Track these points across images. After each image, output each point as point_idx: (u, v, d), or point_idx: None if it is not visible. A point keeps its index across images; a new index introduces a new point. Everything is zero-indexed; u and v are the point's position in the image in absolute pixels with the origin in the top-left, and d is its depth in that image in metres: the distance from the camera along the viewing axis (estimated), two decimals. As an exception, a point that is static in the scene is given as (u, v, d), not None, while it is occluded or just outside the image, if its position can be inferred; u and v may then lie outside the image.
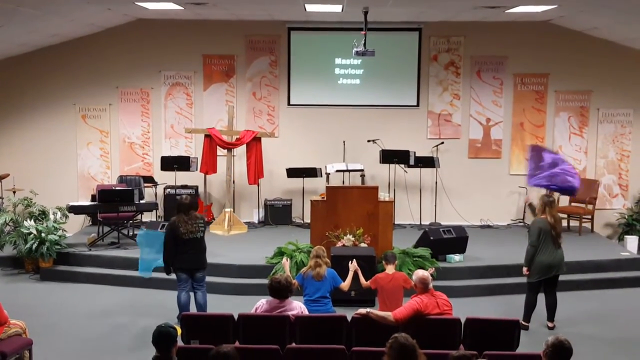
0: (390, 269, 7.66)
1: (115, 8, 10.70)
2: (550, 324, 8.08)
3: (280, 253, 9.67)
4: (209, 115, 12.70)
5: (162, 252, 8.06)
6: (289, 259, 8.41)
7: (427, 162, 12.20)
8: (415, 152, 12.12)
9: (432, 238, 9.90)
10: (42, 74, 12.51)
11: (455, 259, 9.95)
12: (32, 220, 10.34)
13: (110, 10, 10.84)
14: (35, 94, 12.58)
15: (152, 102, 12.76)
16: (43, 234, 10.07)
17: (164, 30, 12.37)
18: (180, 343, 5.36)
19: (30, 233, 10.08)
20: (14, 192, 11.70)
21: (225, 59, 12.70)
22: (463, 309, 7.19)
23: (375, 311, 6.31)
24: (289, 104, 12.80)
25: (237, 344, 5.94)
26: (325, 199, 9.91)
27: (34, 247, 10.02)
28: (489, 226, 12.52)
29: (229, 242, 11.06)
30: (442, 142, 12.56)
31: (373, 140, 12.29)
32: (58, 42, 12.21)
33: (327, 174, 12.08)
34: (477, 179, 12.67)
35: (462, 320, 6.17)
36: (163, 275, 8.36)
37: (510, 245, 10.67)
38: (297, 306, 6.41)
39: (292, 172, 12.28)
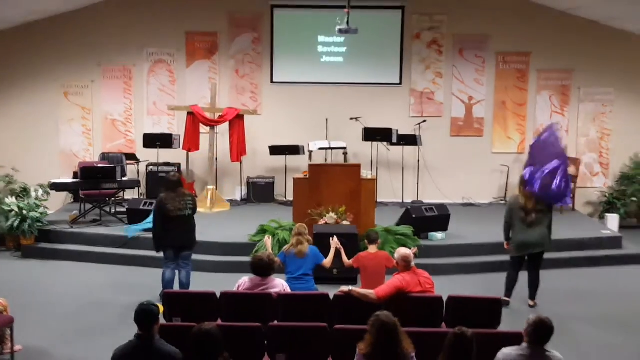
0: (372, 248, 7.66)
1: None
2: (531, 302, 8.14)
3: (262, 231, 9.68)
4: (191, 93, 12.63)
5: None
6: (271, 237, 8.41)
7: (410, 140, 12.23)
8: (397, 130, 12.13)
9: (414, 216, 9.94)
10: (23, 51, 12.36)
11: (438, 237, 10.00)
12: (14, 198, 10.26)
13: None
14: (16, 70, 12.44)
15: (134, 79, 12.65)
16: (24, 211, 10.01)
17: (147, 7, 12.25)
18: (162, 321, 5.38)
19: (12, 210, 10.02)
20: (-5, 169, 11.62)
21: (208, 36, 12.61)
22: (445, 287, 7.24)
23: (357, 289, 6.32)
24: (272, 81, 12.76)
25: (219, 321, 5.96)
26: (308, 176, 9.91)
27: (15, 224, 9.97)
28: (471, 204, 12.61)
29: (211, 219, 11.05)
30: (425, 120, 12.59)
31: (356, 118, 12.30)
32: (39, 18, 12.04)
33: (310, 152, 12.07)
34: (459, 157, 12.74)
35: (444, 298, 6.22)
36: (146, 252, 8.34)
37: (492, 223, 10.67)
38: (279, 284, 6.43)
39: (275, 150, 12.27)
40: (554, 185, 7.88)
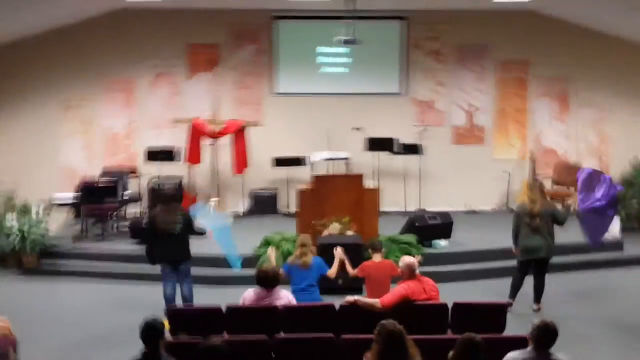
0: (377, 257, 7.66)
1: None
2: (535, 306, 8.19)
3: (266, 243, 9.65)
4: (193, 105, 12.60)
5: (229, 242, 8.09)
6: (275, 249, 8.40)
7: (412, 149, 12.21)
8: (399, 140, 12.13)
9: (417, 224, 9.95)
10: (24, 65, 12.33)
11: (441, 244, 10.01)
12: (14, 216, 10.20)
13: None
14: (17, 85, 12.40)
15: (136, 92, 12.65)
16: (25, 229, 9.94)
17: (147, 20, 12.25)
18: (168, 337, 5.35)
19: (12, 228, 9.95)
20: (-6, 185, 11.56)
21: (210, 47, 12.62)
22: (450, 294, 7.19)
23: (363, 298, 6.32)
24: (274, 92, 12.76)
25: (225, 335, 5.94)
26: (311, 188, 9.90)
27: (16, 243, 9.90)
28: (473, 211, 12.59)
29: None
30: (425, 129, 12.58)
31: (357, 128, 12.29)
32: (40, 32, 12.02)
33: (312, 163, 12.06)
34: (461, 165, 12.73)
35: (450, 305, 6.20)
36: (149, 268, 8.29)
37: (494, 229, 10.70)
38: (284, 295, 6.41)
39: (278, 162, 12.25)
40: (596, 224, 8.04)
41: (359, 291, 8.03)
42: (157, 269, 8.16)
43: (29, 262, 10.10)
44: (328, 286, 7.95)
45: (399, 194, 12.50)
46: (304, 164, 12.21)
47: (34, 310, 8.59)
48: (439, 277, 8.18)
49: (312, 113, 12.65)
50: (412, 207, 12.46)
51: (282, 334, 5.93)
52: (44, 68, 12.40)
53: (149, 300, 8.65)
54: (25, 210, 10.40)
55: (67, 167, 12.63)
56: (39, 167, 12.43)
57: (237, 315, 6.20)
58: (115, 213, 11.24)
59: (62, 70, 12.43)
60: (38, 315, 8.42)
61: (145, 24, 12.33)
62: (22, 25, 11.45)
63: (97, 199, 10.58)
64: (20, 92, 12.44)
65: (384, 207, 12.00)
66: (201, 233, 8.10)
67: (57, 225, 11.64)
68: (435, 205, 12.33)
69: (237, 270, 8.57)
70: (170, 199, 8.00)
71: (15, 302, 8.80)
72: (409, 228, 10.02)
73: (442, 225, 10.12)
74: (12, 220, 10.03)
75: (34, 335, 7.52)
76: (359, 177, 9.98)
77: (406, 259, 6.54)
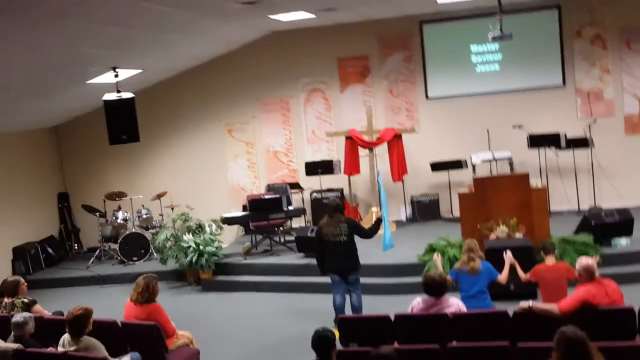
0: (550, 260, 7.30)
1: (251, 24, 11.00)
2: None
3: (431, 249, 9.49)
4: (348, 117, 12.74)
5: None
6: (440, 255, 8.21)
7: (580, 143, 11.52)
8: (565, 134, 11.48)
9: (593, 223, 9.39)
10: (189, 95, 13.14)
11: (622, 243, 9.36)
12: (190, 234, 10.83)
13: (247, 27, 11.16)
14: (184, 113, 13.24)
15: (292, 110, 13.01)
16: (201, 247, 10.53)
17: (298, 39, 12.57)
18: (339, 346, 5.36)
19: (190, 246, 10.57)
20: (172, 209, 12.34)
21: (359, 59, 12.71)
22: (636, 297, 6.65)
23: (538, 304, 6.03)
24: (427, 97, 12.58)
25: (395, 344, 5.86)
26: (473, 190, 9.62)
27: (193, 259, 10.50)
28: (656, 205, 11.62)
29: (378, 241, 10.98)
30: (595, 121, 11.80)
31: (518, 126, 11.78)
32: (199, 62, 12.76)
33: (473, 165, 11.73)
34: (638, 156, 11.79)
35: (637, 309, 5.71)
36: (317, 278, 8.44)
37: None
38: (454, 303, 6.23)
39: (437, 166, 12.06)
40: None
41: (533, 296, 7.65)
42: (324, 279, 8.27)
43: (205, 277, 10.67)
44: (499, 292, 7.66)
45: (570, 192, 11.82)
46: (465, 167, 11.90)
47: (211, 323, 9.04)
48: (622, 279, 7.62)
49: (468, 114, 12.32)
50: (585, 205, 11.71)
51: (454, 343, 5.74)
52: (207, 96, 13.10)
53: (318, 310, 8.82)
54: (199, 230, 10.99)
55: (233, 186, 13.23)
56: (208, 187, 13.15)
57: (406, 324, 6.10)
58: (281, 227, 11.58)
59: (222, 95, 13.07)
60: (216, 327, 8.84)
61: (296, 44, 12.65)
62: (185, 59, 12.20)
63: (263, 214, 10.97)
64: (186, 119, 13.24)
65: (554, 206, 11.48)
66: (369, 235, 8.20)
67: (229, 241, 12.22)
68: (611, 201, 11.54)
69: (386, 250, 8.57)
70: (335, 209, 8.10)
71: (194, 315, 9.33)
72: (584, 227, 9.48)
73: (621, 223, 9.43)
74: (188, 239, 10.64)
75: (214, 346, 7.89)
76: (524, 177, 9.56)
77: (583, 261, 6.14)
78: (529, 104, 12.12)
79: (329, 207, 8.17)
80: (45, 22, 6.81)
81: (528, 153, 11.76)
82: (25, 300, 7.33)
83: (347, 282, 8.03)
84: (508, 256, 7.47)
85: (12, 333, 6.17)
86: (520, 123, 11.77)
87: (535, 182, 9.77)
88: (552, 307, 5.90)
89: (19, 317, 6.22)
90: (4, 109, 10.19)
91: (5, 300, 7.34)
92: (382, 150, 12.12)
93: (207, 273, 10.70)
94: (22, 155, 12.55)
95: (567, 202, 11.84)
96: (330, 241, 7.96)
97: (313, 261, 9.94)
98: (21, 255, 11.89)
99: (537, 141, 11.55)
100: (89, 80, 10.19)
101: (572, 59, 12.02)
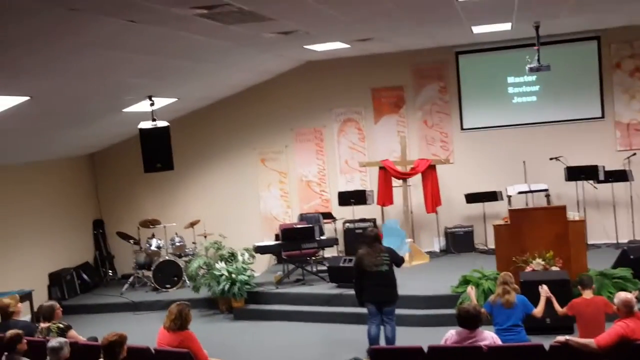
0: (587, 294, 7.13)
1: (286, 54, 11.11)
2: None
3: (465, 281, 9.36)
4: (381, 148, 12.71)
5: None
6: (474, 287, 8.08)
7: (619, 175, 11.31)
8: (604, 166, 11.29)
9: (632, 257, 9.19)
10: (223, 124, 13.26)
11: (662, 278, 9.08)
12: (223, 263, 10.85)
13: (282, 57, 11.28)
14: (218, 142, 13.34)
15: (325, 139, 13.03)
16: (234, 275, 10.54)
17: (332, 69, 12.63)
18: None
19: (222, 275, 10.58)
20: (205, 237, 12.40)
21: (394, 90, 12.71)
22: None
23: (575, 338, 5.89)
24: (462, 128, 12.51)
25: (428, 377, 5.75)
26: (509, 222, 9.49)
27: (226, 287, 10.50)
28: (698, 240, 11.30)
29: (411, 272, 10.90)
30: (634, 154, 11.59)
31: (556, 158, 11.63)
32: (234, 92, 12.89)
33: (509, 197, 11.59)
34: (679, 190, 11.54)
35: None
36: (350, 309, 8.36)
37: None
38: (488, 336, 6.11)
39: (471, 198, 11.94)
40: None
41: (569, 331, 7.52)
42: (355, 310, 8.19)
43: (237, 305, 10.65)
44: (535, 326, 7.53)
45: (608, 225, 11.60)
46: (499, 199, 11.75)
47: (242, 352, 9.01)
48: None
49: (504, 146, 12.20)
50: (624, 239, 11.46)
51: (488, 377, 5.61)
52: (240, 124, 13.19)
53: (349, 341, 8.77)
54: (232, 258, 11.01)
55: (266, 215, 13.24)
56: (241, 216, 13.18)
57: (440, 356, 6.00)
58: (313, 257, 11.54)
59: (255, 125, 13.15)
60: (247, 356, 8.81)
61: (330, 74, 12.71)
62: (220, 88, 12.36)
63: (296, 244, 10.95)
64: (220, 148, 13.34)
65: (592, 239, 11.27)
66: (402, 262, 8.31)
67: (261, 270, 12.21)
68: (651, 235, 11.27)
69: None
70: (374, 239, 8.06)
71: (226, 343, 9.29)
72: (623, 261, 9.28)
73: (661, 257, 9.18)
74: (221, 267, 10.65)
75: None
76: (561, 209, 9.42)
77: (622, 295, 6.03)
78: (567, 136, 11.97)
79: (368, 237, 8.13)
80: (85, 51, 6.95)
81: (565, 186, 11.59)
82: (61, 325, 7.38)
83: (382, 312, 7.96)
84: (544, 289, 7.34)
85: (48, 358, 6.20)
86: (558, 155, 11.62)
87: (572, 214, 9.61)
88: (590, 342, 5.77)
89: (54, 342, 6.26)
90: (45, 136, 10.41)
91: (42, 325, 7.41)
92: (416, 181, 12.06)
93: (239, 301, 10.68)
94: (59, 182, 12.74)
95: (605, 235, 11.61)
96: (371, 271, 7.90)
97: (345, 291, 9.93)
98: (57, 281, 12.03)
99: (574, 174, 11.37)
100: (125, 108, 10.37)
101: (611, 91, 11.87)
